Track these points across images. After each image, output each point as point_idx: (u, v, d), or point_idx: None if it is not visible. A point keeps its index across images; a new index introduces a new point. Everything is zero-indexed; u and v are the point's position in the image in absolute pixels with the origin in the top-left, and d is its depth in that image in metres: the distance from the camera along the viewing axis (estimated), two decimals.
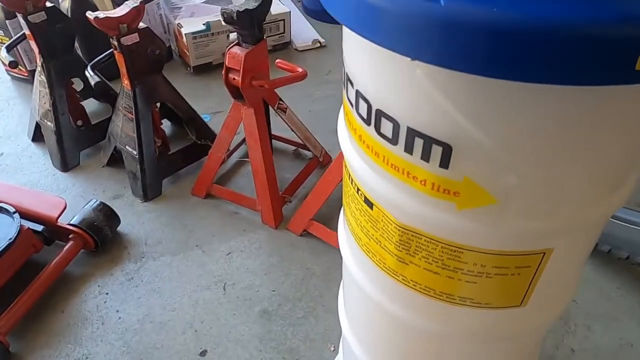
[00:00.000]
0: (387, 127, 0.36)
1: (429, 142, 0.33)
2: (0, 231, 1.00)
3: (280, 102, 1.22)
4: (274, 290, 1.06)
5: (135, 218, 1.23)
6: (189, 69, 1.74)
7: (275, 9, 1.78)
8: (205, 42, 1.69)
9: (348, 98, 0.40)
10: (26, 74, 1.68)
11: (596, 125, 0.30)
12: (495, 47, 0.25)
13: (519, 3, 0.25)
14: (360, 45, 0.35)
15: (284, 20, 1.79)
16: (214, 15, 1.74)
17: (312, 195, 1.13)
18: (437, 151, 0.33)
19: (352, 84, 0.38)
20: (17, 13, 1.25)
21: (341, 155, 1.05)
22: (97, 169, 1.38)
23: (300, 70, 1.16)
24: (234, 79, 1.07)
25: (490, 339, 0.49)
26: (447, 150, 0.33)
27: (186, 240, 1.17)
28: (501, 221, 0.36)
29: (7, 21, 1.56)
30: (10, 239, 0.98)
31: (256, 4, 1.03)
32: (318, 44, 1.87)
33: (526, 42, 0.25)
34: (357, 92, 0.38)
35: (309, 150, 1.35)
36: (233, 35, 1.72)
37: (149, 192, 1.27)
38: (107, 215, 1.14)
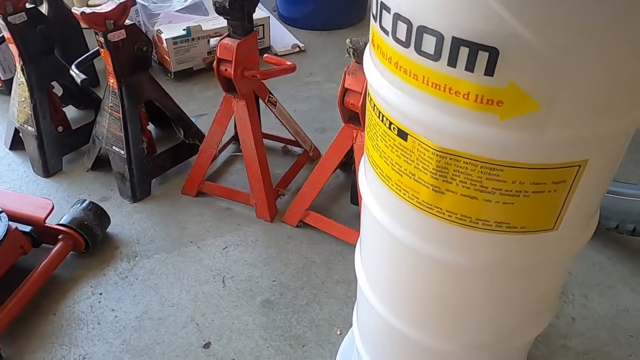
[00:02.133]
0: (429, 44, 0.37)
1: (475, 49, 0.35)
2: None
3: (271, 95, 1.23)
4: (274, 281, 1.05)
5: (125, 219, 1.20)
6: (169, 75, 1.73)
7: (255, 14, 1.80)
8: (185, 47, 1.69)
9: (382, 27, 0.41)
10: (0, 85, 1.63)
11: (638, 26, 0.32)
12: None
13: None
14: None
15: (263, 25, 1.82)
16: (194, 21, 1.75)
17: (307, 185, 1.13)
18: (482, 58, 0.35)
19: (388, 10, 0.40)
20: None
21: (336, 143, 1.06)
22: (81, 173, 1.34)
23: (288, 63, 1.17)
24: (225, 70, 1.07)
25: (518, 271, 0.50)
26: (493, 56, 0.34)
27: (180, 238, 1.15)
28: (542, 130, 0.37)
29: None
30: None
31: None
32: (297, 49, 1.90)
33: None
34: (396, 15, 0.39)
35: (298, 146, 1.36)
36: (213, 41, 1.73)
37: (138, 192, 1.25)
38: (97, 215, 1.11)
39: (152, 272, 1.07)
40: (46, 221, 1.06)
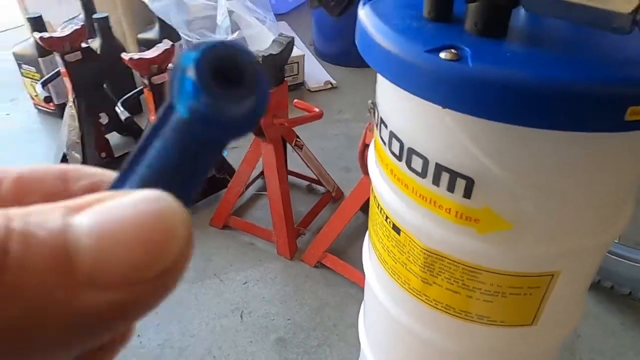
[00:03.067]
0: (417, 163, 0.42)
1: (454, 176, 0.40)
2: None
3: (297, 139, 1.30)
4: (289, 319, 1.10)
5: None
6: None
7: None
8: None
9: (381, 137, 0.47)
10: (53, 108, 1.76)
11: (597, 166, 0.37)
12: (513, 101, 0.32)
13: (533, 67, 0.32)
14: (395, 92, 0.42)
15: (298, 62, 1.90)
16: None
17: (326, 228, 1.18)
18: (461, 184, 0.40)
19: (386, 125, 0.45)
20: (54, 52, 1.34)
21: (355, 192, 1.12)
22: None
23: (316, 110, 1.24)
24: None
25: (504, 357, 0.54)
26: (470, 183, 0.39)
27: (204, 269, 1.22)
28: (515, 245, 0.41)
29: (39, 59, 1.66)
30: None
31: (279, 49, 1.12)
32: (329, 85, 1.97)
33: (538, 97, 0.31)
34: (391, 133, 0.44)
35: (322, 185, 1.42)
36: None
37: None
38: None
39: (176, 302, 1.14)
40: None
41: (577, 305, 0.53)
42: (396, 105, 0.42)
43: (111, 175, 0.15)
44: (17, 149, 1.63)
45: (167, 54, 1.23)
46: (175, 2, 1.84)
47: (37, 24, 1.58)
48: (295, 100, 1.26)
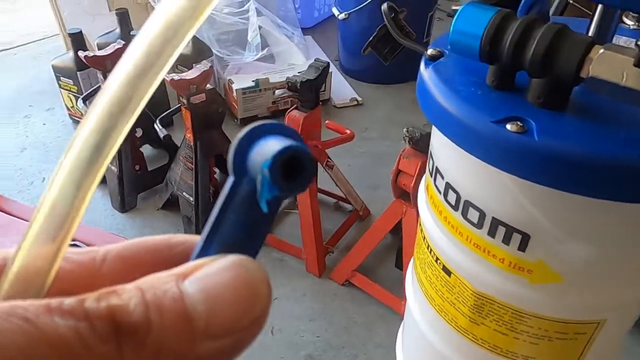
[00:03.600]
0: (473, 215, 0.45)
1: (511, 230, 0.43)
2: None
3: (329, 159, 1.33)
4: (318, 337, 1.13)
5: None
6: (236, 120, 1.87)
7: None
8: (253, 97, 1.83)
9: (436, 186, 0.50)
10: None
11: None
12: (575, 173, 0.35)
13: (594, 142, 0.35)
14: (455, 149, 0.45)
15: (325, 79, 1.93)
16: (262, 73, 1.89)
17: (355, 248, 1.21)
18: (516, 238, 0.43)
19: (442, 176, 0.48)
20: (96, 69, 1.39)
21: (385, 215, 1.14)
22: (152, 211, 1.49)
23: (348, 132, 1.28)
24: None
25: None
26: (525, 238, 0.42)
27: None
28: (565, 295, 0.44)
29: (78, 72, 1.72)
30: None
31: (316, 74, 1.16)
32: (355, 102, 2.00)
33: (599, 171, 0.34)
34: (448, 184, 0.47)
35: (349, 203, 1.45)
36: (278, 92, 1.86)
37: None
38: None
39: None
40: None
41: (620, 345, 0.55)
42: (455, 161, 0.46)
43: (195, 239, 0.18)
44: (52, 158, 1.69)
45: (206, 75, 1.27)
46: (207, 18, 1.89)
47: (76, 39, 1.64)
48: (327, 122, 1.30)
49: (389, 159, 1.69)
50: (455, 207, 0.47)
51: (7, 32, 2.66)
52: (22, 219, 1.20)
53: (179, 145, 1.42)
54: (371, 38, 0.62)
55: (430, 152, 0.52)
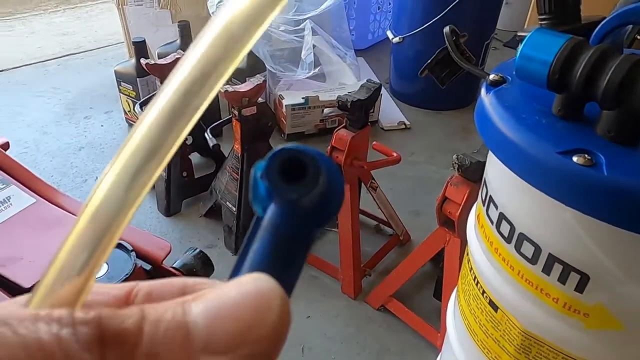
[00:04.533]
0: (528, 249, 0.43)
1: (568, 269, 0.40)
2: (117, 265, 1.13)
3: (373, 181, 1.32)
4: None
5: (226, 269, 1.33)
6: (283, 135, 1.90)
7: None
8: (302, 113, 1.85)
9: (488, 215, 0.48)
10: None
11: None
12: None
13: None
14: (512, 179, 0.43)
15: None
16: (312, 90, 1.91)
17: (394, 273, 1.19)
18: (574, 278, 0.40)
19: (496, 206, 0.46)
20: (155, 76, 1.45)
21: (427, 243, 1.12)
22: (195, 218, 1.52)
23: (395, 154, 1.26)
24: (337, 157, 1.18)
25: None
26: (584, 279, 0.40)
27: None
28: (624, 345, 0.41)
29: (137, 79, 1.80)
30: (126, 274, 1.10)
31: (367, 95, 1.16)
32: (403, 126, 1.99)
33: None
34: (501, 215, 0.45)
35: (390, 227, 1.43)
36: (327, 110, 1.88)
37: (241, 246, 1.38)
38: (204, 264, 1.25)
39: None
40: (163, 262, 1.22)
41: None
42: (512, 191, 0.44)
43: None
44: (107, 159, 1.76)
45: (259, 89, 1.30)
46: (263, 35, 1.94)
47: (140, 47, 1.72)
48: (374, 143, 1.29)
49: (434, 186, 1.66)
50: (508, 240, 0.45)
51: (78, 37, 2.83)
52: (74, 214, 1.25)
53: (226, 155, 1.44)
54: (429, 60, 0.61)
55: (485, 180, 0.50)
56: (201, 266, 1.25)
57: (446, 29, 0.52)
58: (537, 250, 0.42)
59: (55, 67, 2.47)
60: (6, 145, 1.46)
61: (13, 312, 0.13)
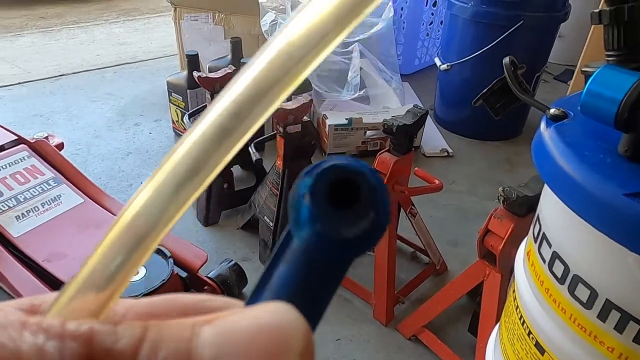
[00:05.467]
0: (582, 293, 0.41)
1: (627, 317, 0.38)
2: (154, 270, 1.15)
3: (412, 207, 1.30)
4: None
5: None
6: (324, 154, 1.91)
7: None
8: (344, 134, 1.86)
9: (540, 253, 0.46)
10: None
11: None
12: None
13: None
14: (570, 217, 0.41)
15: None
16: (356, 112, 1.92)
17: (429, 303, 1.16)
18: (633, 327, 0.38)
19: (549, 244, 0.45)
20: (205, 89, 1.49)
21: (466, 275, 1.09)
22: (232, 229, 1.54)
23: (437, 182, 1.24)
24: None
25: None
26: None
27: None
28: None
29: (188, 90, 1.85)
30: (162, 280, 1.12)
31: (413, 120, 1.15)
32: (445, 153, 1.96)
33: None
34: (555, 253, 0.44)
35: (427, 255, 1.40)
36: (370, 132, 1.88)
37: None
38: (238, 276, 1.26)
39: None
40: (198, 271, 1.24)
41: None
42: (568, 230, 0.42)
43: (241, 304, 0.16)
44: (152, 166, 1.82)
45: (305, 107, 1.32)
46: None
47: (192, 60, 1.78)
48: (416, 169, 1.28)
49: (473, 216, 1.63)
50: (561, 281, 0.43)
51: (134, 48, 2.96)
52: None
53: (267, 170, 1.46)
54: (485, 90, 0.61)
55: (538, 216, 0.48)
56: (235, 278, 1.26)
57: (506, 60, 0.51)
58: (593, 294, 0.40)
59: (111, 74, 2.59)
60: (61, 146, 1.53)
61: (3, 316, 0.12)
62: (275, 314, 0.12)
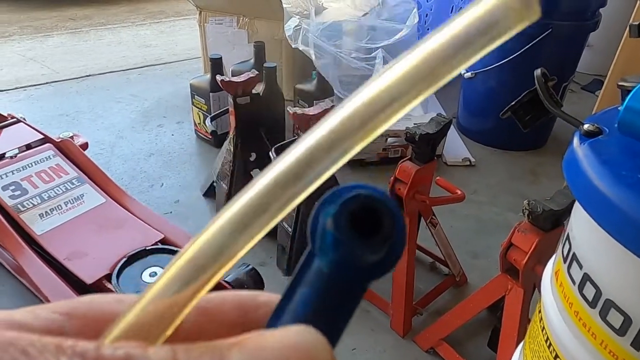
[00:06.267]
0: (615, 318, 0.39)
1: None
2: None
3: (433, 217, 1.28)
4: None
5: (275, 288, 1.33)
6: None
7: None
8: None
9: (570, 274, 0.45)
10: (210, 137, 1.96)
11: None
12: None
13: None
14: (604, 238, 0.40)
15: None
16: None
17: (448, 315, 1.14)
18: None
19: (580, 265, 0.43)
20: (227, 93, 1.50)
21: (487, 289, 1.06)
22: None
23: (459, 192, 1.22)
24: (399, 189, 1.16)
25: None
26: None
27: None
28: None
29: (210, 93, 1.87)
30: None
31: (436, 129, 1.14)
32: (467, 162, 1.93)
33: None
34: (586, 275, 0.42)
35: (446, 266, 1.37)
36: (391, 139, 1.86)
37: (293, 267, 1.38)
38: (255, 281, 1.26)
39: None
40: None
41: None
42: (602, 252, 0.40)
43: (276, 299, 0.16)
44: (173, 167, 1.83)
45: (327, 113, 1.31)
46: (335, 60, 1.97)
47: (216, 63, 1.79)
48: (438, 178, 1.26)
49: (495, 228, 1.60)
50: (592, 304, 0.41)
51: (159, 50, 3.00)
52: (139, 217, 1.30)
53: None
54: (514, 103, 0.59)
55: (567, 235, 0.46)
56: (252, 283, 1.26)
57: (537, 72, 0.49)
58: (627, 321, 0.38)
59: (136, 75, 2.63)
60: (85, 146, 1.55)
61: (40, 338, 0.12)
62: (300, 335, 0.13)
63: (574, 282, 0.44)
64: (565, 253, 0.46)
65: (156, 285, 0.15)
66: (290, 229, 1.37)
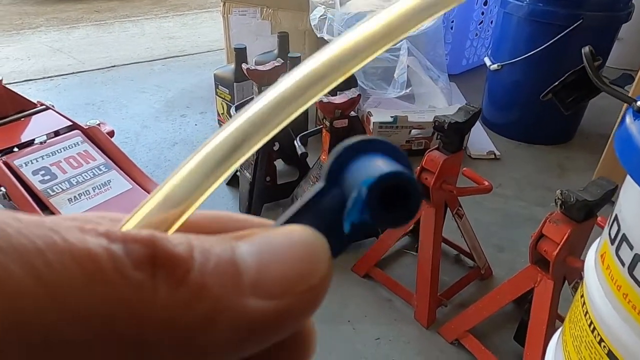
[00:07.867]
0: None
1: None
2: None
3: (459, 208, 1.27)
4: None
5: None
6: None
7: None
8: (388, 132, 1.83)
9: (618, 256, 0.43)
10: None
11: None
12: None
13: None
14: None
15: None
16: (401, 110, 1.89)
17: (474, 307, 1.12)
18: None
19: (630, 246, 0.42)
20: (253, 81, 1.50)
21: (515, 281, 1.04)
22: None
23: (486, 183, 1.20)
24: (426, 178, 1.15)
25: None
26: None
27: (339, 313, 1.23)
28: None
29: (235, 83, 1.87)
30: None
31: (465, 118, 1.12)
32: (492, 156, 1.90)
33: None
34: (637, 256, 0.40)
35: (471, 259, 1.36)
36: (415, 131, 1.84)
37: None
38: None
39: None
40: None
41: None
42: None
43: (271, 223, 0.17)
44: None
45: (352, 102, 1.30)
46: None
47: (240, 53, 1.80)
48: (465, 169, 1.24)
49: (521, 221, 1.57)
50: None
51: (182, 42, 3.02)
52: None
53: (310, 165, 1.45)
54: (556, 83, 0.57)
55: (616, 216, 0.45)
56: None
57: (585, 49, 0.48)
58: None
59: (160, 66, 2.65)
60: (112, 134, 1.57)
61: (60, 221, 0.12)
62: (304, 233, 0.14)
63: (623, 264, 0.42)
64: (613, 235, 0.45)
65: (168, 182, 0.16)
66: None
